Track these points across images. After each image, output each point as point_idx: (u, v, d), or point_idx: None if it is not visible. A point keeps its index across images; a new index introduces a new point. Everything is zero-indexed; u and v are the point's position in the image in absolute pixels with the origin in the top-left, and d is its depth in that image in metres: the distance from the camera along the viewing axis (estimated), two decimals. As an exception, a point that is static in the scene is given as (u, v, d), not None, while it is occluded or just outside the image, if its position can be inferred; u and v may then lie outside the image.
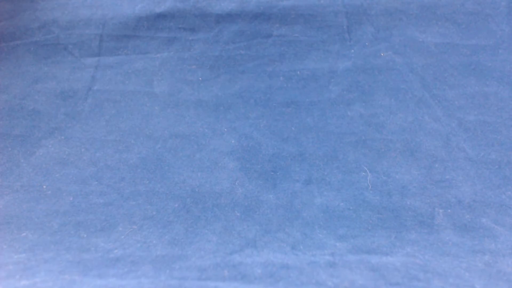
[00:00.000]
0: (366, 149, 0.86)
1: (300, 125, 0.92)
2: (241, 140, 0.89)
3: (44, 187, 0.81)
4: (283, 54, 1.08)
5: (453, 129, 0.89)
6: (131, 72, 1.06)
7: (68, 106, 0.98)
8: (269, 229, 0.72)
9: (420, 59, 1.04)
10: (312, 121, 0.93)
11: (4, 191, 0.80)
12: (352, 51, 1.08)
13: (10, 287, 0.64)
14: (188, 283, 0.64)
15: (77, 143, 0.90)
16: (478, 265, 0.66)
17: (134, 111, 0.97)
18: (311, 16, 1.12)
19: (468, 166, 0.82)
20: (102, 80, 1.05)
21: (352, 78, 1.02)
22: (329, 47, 1.09)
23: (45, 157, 0.86)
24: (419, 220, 0.73)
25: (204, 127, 0.93)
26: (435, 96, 0.96)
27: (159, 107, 0.98)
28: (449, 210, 0.75)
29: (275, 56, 1.08)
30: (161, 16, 1.13)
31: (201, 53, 1.09)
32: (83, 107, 0.98)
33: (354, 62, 1.05)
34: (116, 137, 0.91)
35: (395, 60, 1.05)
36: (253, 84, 1.02)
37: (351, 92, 0.99)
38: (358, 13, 1.12)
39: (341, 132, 0.90)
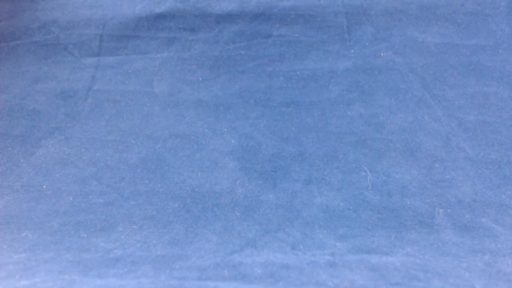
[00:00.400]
0: (366, 149, 0.86)
1: (300, 125, 0.92)
2: (241, 140, 0.89)
3: (44, 187, 0.81)
4: (283, 54, 1.08)
5: (453, 129, 0.89)
6: (131, 72, 1.06)
7: (68, 106, 0.98)
8: (269, 229, 0.72)
9: (420, 59, 1.04)
10: (312, 121, 0.93)
11: (4, 191, 0.80)
12: (352, 51, 1.08)
13: (10, 287, 0.64)
14: (188, 283, 0.64)
15: (77, 143, 0.90)
16: (478, 265, 0.66)
17: (134, 111, 0.97)
18: (311, 16, 1.12)
19: (468, 166, 0.82)
20: (102, 80, 1.05)
21: (352, 78, 1.02)
22: (329, 47, 1.09)
23: (45, 157, 0.86)
24: (419, 220, 0.73)
25: (204, 127, 0.93)
26: (435, 96, 0.96)
27: (159, 107, 0.98)
28: (449, 210, 0.75)
29: (275, 56, 1.08)
30: (161, 16, 1.13)
31: (201, 53, 1.09)
32: (83, 107, 0.98)
33: (354, 62, 1.05)
34: (116, 137, 0.91)
35: (395, 60, 1.05)
36: (253, 84, 1.02)
37: (351, 92, 0.99)
38: (358, 13, 1.12)
39: (341, 132, 0.90)
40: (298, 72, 1.04)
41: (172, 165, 0.84)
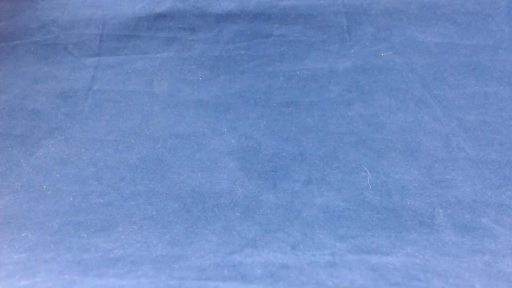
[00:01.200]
0: (366, 149, 0.86)
1: (300, 125, 0.92)
2: (241, 140, 0.89)
3: (44, 187, 0.81)
4: (283, 54, 1.08)
5: (453, 129, 0.89)
6: (131, 72, 1.06)
7: (68, 106, 0.98)
8: (269, 229, 0.72)
9: (420, 59, 1.04)
10: (312, 121, 0.93)
11: (4, 191, 0.80)
12: (352, 51, 1.08)
13: (10, 287, 0.64)
14: (188, 283, 0.64)
15: (77, 143, 0.90)
16: (478, 265, 0.66)
17: (134, 111, 0.97)
18: (311, 16, 1.12)
19: (468, 166, 0.82)
20: (102, 80, 1.05)
21: (352, 78, 1.02)
22: (329, 47, 1.09)
23: (45, 157, 0.86)
24: (419, 220, 0.73)
25: (204, 127, 0.93)
26: (435, 96, 0.96)
27: (159, 107, 0.98)
28: (449, 210, 0.75)
29: (275, 56, 1.08)
30: (161, 16, 1.13)
31: (201, 53, 1.09)
32: (83, 107, 0.98)
33: (354, 62, 1.05)
34: (116, 137, 0.91)
35: (395, 60, 1.05)
36: (253, 84, 1.02)
37: (351, 92, 0.99)
38: (358, 13, 1.12)
39: (341, 132, 0.90)
40: (298, 72, 1.04)
41: (172, 165, 0.84)
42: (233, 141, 0.89)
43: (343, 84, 1.01)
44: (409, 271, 0.65)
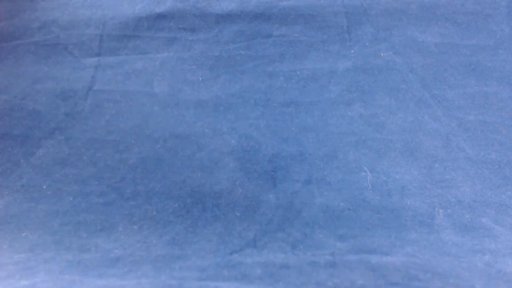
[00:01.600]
0: (366, 149, 0.86)
1: (300, 125, 0.92)
2: (241, 140, 0.89)
3: (44, 187, 0.81)
4: (283, 54, 1.08)
5: (453, 129, 0.89)
6: (131, 72, 1.06)
7: (68, 106, 0.98)
8: (269, 229, 0.72)
9: (420, 59, 1.04)
10: (312, 121, 0.93)
11: (4, 191, 0.80)
12: (352, 51, 1.08)
13: (10, 287, 0.64)
14: (188, 283, 0.64)
15: (77, 143, 0.90)
16: (478, 265, 0.66)
17: (134, 111, 0.97)
18: (311, 16, 1.12)
19: (468, 166, 0.82)
20: (102, 80, 1.05)
21: (352, 78, 1.02)
22: (329, 47, 1.09)
23: (45, 157, 0.86)
24: (419, 220, 0.73)
25: (204, 127, 0.93)
26: (435, 96, 0.96)
27: (159, 107, 0.98)
28: (449, 210, 0.75)
29: (275, 56, 1.08)
30: (161, 16, 1.13)
31: (201, 53, 1.09)
32: (83, 107, 0.98)
33: (354, 62, 1.05)
34: (116, 137, 0.91)
35: (395, 60, 1.05)
36: (253, 84, 1.02)
37: (351, 92, 0.99)
38: (358, 13, 1.12)
39: (341, 132, 0.90)
40: (298, 72, 1.04)
41: (172, 165, 0.84)
42: (233, 141, 0.89)
43: (343, 84, 1.01)
44: (409, 271, 0.65)
